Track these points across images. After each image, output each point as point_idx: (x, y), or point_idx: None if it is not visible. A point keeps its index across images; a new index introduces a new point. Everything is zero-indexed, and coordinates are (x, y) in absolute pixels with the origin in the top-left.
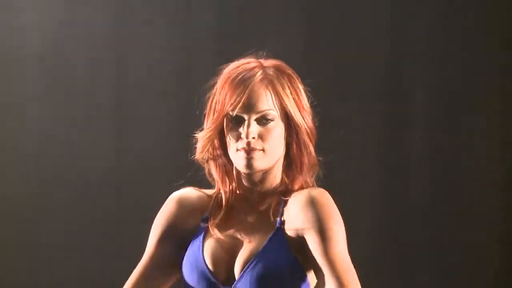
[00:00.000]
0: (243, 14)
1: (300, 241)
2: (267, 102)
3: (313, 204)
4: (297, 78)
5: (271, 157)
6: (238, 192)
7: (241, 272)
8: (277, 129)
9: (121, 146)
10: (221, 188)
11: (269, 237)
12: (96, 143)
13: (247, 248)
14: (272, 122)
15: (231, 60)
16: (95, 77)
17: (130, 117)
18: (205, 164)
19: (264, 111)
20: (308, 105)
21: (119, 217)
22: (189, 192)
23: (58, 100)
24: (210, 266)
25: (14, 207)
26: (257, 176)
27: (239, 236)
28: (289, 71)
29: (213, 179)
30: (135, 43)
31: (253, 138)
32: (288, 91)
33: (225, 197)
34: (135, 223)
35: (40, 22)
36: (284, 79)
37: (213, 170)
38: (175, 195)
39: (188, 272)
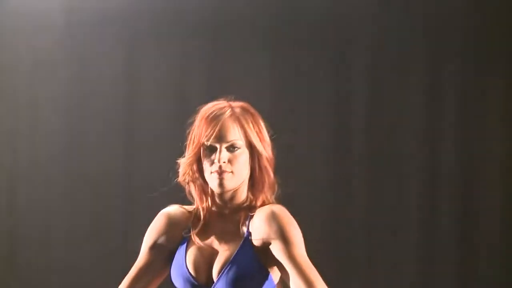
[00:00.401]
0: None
1: (264, 248)
2: (235, 134)
3: (274, 218)
4: (259, 116)
5: (238, 177)
6: (213, 209)
7: (218, 275)
8: (243, 155)
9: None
10: (199, 204)
11: (239, 246)
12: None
13: (222, 255)
14: (239, 150)
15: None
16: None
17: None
18: (186, 185)
19: (232, 140)
20: (267, 137)
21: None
22: (175, 209)
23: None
24: (192, 272)
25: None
26: (228, 195)
27: (215, 246)
28: (253, 110)
29: (193, 197)
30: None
31: (224, 162)
32: (251, 126)
33: (203, 212)
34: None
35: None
36: (248, 116)
37: (193, 190)
38: (164, 212)
39: (175, 277)
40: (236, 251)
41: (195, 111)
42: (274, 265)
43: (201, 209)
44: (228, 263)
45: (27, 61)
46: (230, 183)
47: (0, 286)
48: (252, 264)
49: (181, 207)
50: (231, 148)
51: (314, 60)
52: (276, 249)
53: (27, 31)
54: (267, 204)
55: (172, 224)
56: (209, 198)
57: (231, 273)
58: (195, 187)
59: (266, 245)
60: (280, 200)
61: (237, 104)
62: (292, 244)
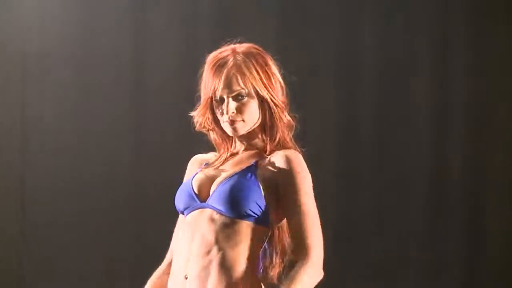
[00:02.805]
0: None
1: (270, 187)
2: (238, 84)
3: (287, 162)
4: (267, 57)
5: (249, 123)
6: (231, 149)
7: (215, 189)
8: (251, 102)
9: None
10: (220, 147)
11: (242, 169)
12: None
13: (224, 175)
14: (246, 98)
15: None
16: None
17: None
18: (208, 132)
19: (237, 90)
20: (277, 79)
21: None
22: (205, 154)
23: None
24: (195, 189)
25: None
26: (243, 137)
27: (221, 171)
28: (257, 53)
29: (215, 143)
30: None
31: (233, 113)
32: (255, 73)
33: (222, 153)
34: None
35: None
36: (251, 62)
37: (213, 137)
38: (192, 158)
39: (178, 196)
40: (238, 171)
41: (203, 57)
42: (277, 208)
43: (221, 151)
44: (225, 180)
45: (36, 11)
46: (242, 129)
47: (10, 239)
48: (251, 185)
49: (213, 153)
50: (238, 97)
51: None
52: (284, 194)
53: None
54: (285, 145)
55: (196, 163)
56: (229, 142)
57: (224, 187)
58: (216, 134)
59: (273, 185)
60: (297, 139)
61: (240, 50)
62: (300, 191)
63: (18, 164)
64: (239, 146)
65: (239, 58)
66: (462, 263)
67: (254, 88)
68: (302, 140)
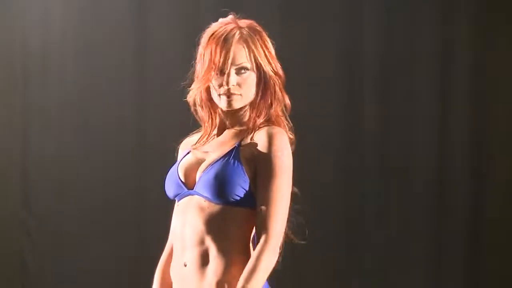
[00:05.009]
0: None
1: (252, 168)
2: (243, 57)
3: (268, 142)
4: (265, 34)
5: (246, 99)
6: (216, 126)
7: (200, 176)
8: (251, 77)
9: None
10: (206, 121)
11: (226, 152)
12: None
13: (208, 160)
14: (247, 73)
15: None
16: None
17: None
18: (194, 105)
19: (241, 64)
20: (275, 57)
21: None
22: (191, 137)
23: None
24: (181, 177)
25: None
26: (232, 112)
27: (208, 153)
28: (259, 28)
29: (200, 117)
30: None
31: (233, 85)
32: (259, 47)
33: (208, 128)
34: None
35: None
36: (256, 36)
37: (200, 114)
38: (182, 142)
39: (167, 184)
40: (221, 156)
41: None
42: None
43: (207, 126)
44: (211, 165)
45: (37, 9)
46: (238, 103)
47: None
48: (232, 169)
49: (198, 133)
50: (241, 71)
51: None
52: (259, 176)
53: None
54: (277, 120)
55: (184, 146)
56: (215, 115)
57: (209, 174)
58: (204, 110)
59: (253, 166)
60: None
61: (244, 24)
62: (274, 172)
63: (20, 161)
64: (224, 122)
65: (244, 32)
66: (463, 261)
67: (257, 63)
68: (304, 137)
